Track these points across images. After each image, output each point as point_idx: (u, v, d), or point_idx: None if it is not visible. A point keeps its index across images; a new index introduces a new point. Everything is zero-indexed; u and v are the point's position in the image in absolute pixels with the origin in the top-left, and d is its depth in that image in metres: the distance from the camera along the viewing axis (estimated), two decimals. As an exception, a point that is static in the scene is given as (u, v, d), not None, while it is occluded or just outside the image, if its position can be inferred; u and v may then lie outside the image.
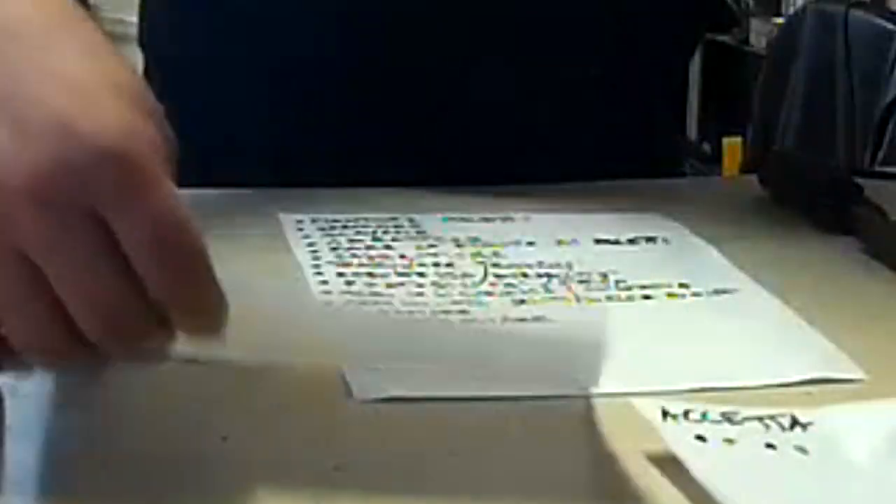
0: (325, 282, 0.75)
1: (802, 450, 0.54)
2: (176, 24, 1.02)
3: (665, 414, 0.55)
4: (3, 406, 0.55)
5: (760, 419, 0.56)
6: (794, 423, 0.56)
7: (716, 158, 3.57)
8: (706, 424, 0.55)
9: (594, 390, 0.60)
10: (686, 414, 0.56)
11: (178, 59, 1.01)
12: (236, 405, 0.59)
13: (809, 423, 0.56)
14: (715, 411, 0.56)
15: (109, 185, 0.47)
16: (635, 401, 0.57)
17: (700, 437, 0.54)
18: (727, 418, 0.56)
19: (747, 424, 0.55)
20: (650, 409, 0.56)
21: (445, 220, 0.87)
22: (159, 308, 0.50)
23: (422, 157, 0.95)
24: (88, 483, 0.52)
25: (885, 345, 0.70)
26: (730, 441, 0.54)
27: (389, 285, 0.75)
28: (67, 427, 0.58)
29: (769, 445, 0.54)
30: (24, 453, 0.54)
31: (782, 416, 0.56)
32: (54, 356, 0.50)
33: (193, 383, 0.59)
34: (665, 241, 0.85)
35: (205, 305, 0.50)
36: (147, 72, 1.04)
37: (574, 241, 0.84)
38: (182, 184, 0.54)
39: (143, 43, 1.04)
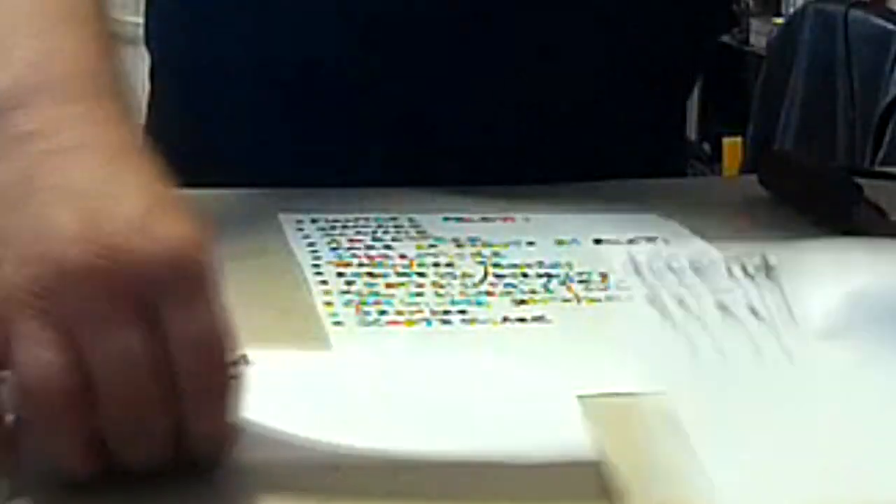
0: (324, 282, 0.75)
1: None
2: (175, 25, 1.02)
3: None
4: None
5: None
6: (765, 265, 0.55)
7: (716, 158, 3.57)
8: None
9: (595, 391, 0.60)
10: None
11: (178, 60, 1.01)
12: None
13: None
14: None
15: (173, 282, 0.50)
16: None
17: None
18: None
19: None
20: None
21: (445, 220, 0.87)
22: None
23: (422, 158, 0.95)
24: (87, 483, 0.52)
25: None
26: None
27: (389, 285, 0.75)
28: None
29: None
30: (23, 453, 0.54)
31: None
32: (64, 434, 0.50)
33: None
34: (665, 241, 0.85)
35: (220, 425, 0.52)
36: (152, 72, 1.05)
37: (574, 241, 0.84)
38: (183, 183, 0.55)
39: (147, 43, 1.04)
